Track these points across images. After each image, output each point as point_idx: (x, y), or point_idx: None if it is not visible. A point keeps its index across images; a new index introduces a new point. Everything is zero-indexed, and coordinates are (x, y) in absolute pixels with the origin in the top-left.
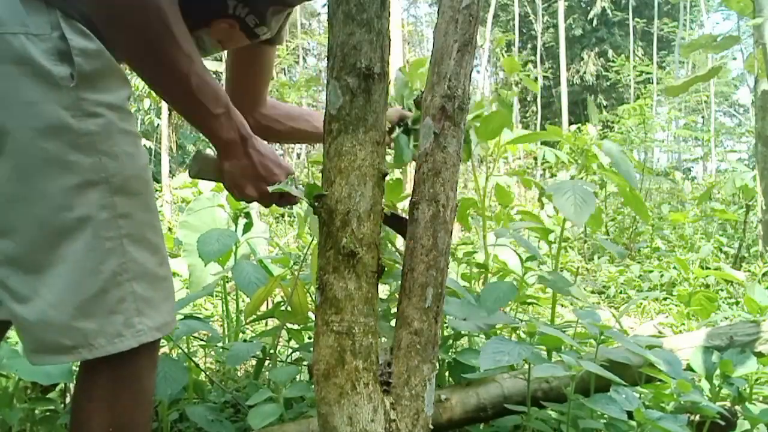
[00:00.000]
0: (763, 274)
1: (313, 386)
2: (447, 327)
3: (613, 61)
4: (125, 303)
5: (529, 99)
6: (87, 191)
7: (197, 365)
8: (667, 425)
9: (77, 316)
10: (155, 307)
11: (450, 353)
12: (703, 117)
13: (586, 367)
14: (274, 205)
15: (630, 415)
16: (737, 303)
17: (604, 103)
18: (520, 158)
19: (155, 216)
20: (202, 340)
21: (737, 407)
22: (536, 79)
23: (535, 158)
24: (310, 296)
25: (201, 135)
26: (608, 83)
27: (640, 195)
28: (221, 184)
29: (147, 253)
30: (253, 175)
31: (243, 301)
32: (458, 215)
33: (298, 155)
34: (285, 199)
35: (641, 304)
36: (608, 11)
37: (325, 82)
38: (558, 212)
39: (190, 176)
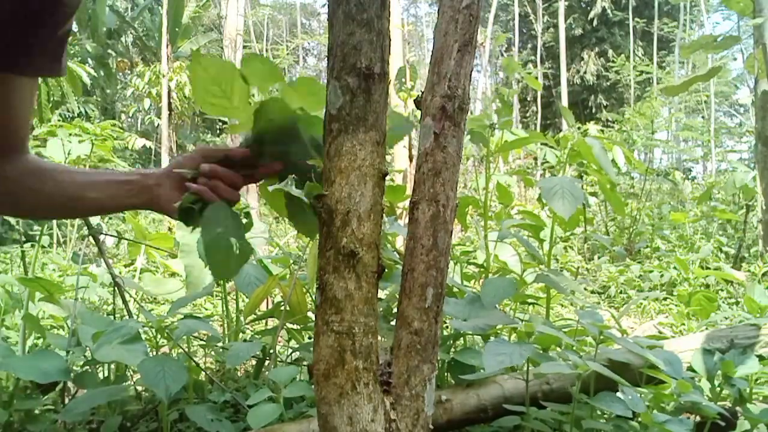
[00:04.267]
0: (763, 274)
1: (313, 386)
2: (447, 327)
3: (613, 61)
4: None
5: (529, 99)
6: None
7: (197, 365)
8: (673, 428)
9: None
10: None
11: (450, 353)
12: (703, 117)
13: (590, 366)
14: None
15: (632, 415)
16: (737, 303)
17: (604, 103)
18: (520, 158)
19: None
20: (202, 339)
21: (738, 408)
22: (536, 78)
23: (535, 158)
24: (310, 296)
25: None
26: (608, 83)
27: (618, 194)
28: None
29: None
30: None
31: (243, 301)
32: (457, 214)
33: None
34: None
35: (641, 304)
36: (608, 11)
37: (325, 82)
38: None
39: None
